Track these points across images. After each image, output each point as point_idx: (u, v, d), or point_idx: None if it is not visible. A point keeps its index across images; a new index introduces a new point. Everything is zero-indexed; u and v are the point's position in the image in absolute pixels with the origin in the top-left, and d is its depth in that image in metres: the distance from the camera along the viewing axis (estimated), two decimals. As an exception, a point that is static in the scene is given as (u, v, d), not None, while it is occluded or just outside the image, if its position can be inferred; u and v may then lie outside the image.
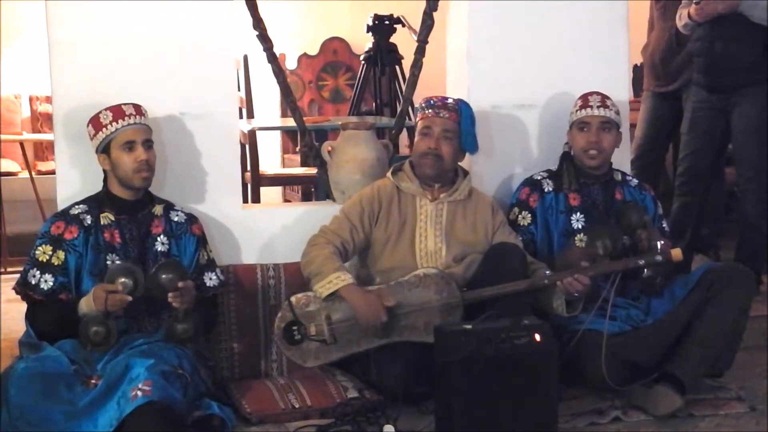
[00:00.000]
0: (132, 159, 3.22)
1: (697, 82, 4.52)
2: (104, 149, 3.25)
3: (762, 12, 4.25)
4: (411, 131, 3.65)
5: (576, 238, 3.61)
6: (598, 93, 3.68)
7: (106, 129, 3.24)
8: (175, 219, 3.36)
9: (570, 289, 3.33)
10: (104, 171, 3.30)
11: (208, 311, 3.34)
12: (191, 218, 3.40)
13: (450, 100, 3.57)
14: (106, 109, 3.26)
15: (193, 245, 3.35)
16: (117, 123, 3.23)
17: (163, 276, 3.07)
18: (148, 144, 3.27)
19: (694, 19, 4.39)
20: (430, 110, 3.52)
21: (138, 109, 3.28)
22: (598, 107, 3.64)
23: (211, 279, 3.37)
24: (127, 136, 3.24)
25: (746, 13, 4.27)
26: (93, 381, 2.96)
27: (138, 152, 3.23)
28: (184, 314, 3.09)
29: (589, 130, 3.63)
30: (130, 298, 3.04)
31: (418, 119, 3.57)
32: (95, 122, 3.26)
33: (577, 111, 3.68)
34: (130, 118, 3.24)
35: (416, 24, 4.09)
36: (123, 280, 3.05)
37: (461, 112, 3.53)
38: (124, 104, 3.27)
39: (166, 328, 3.13)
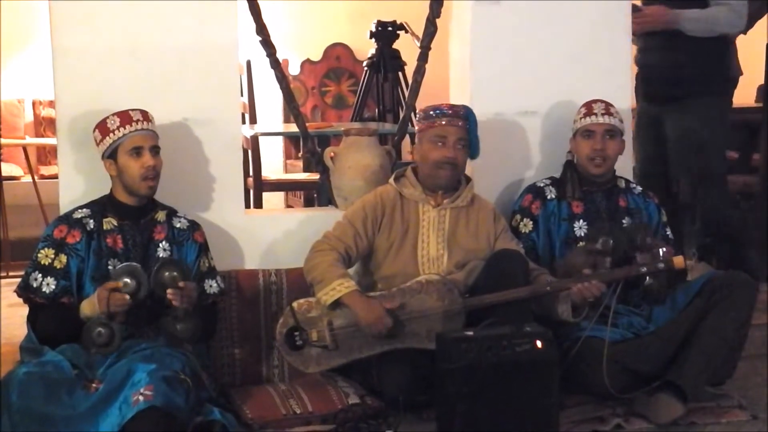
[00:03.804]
0: (139, 165, 3.22)
1: (636, 91, 4.59)
2: (111, 155, 3.25)
3: (693, 24, 4.36)
4: (413, 137, 3.64)
5: (578, 245, 3.61)
6: (601, 100, 3.68)
7: (114, 134, 3.23)
8: (178, 225, 3.36)
9: (586, 294, 3.32)
10: (110, 176, 3.29)
11: (208, 318, 3.32)
12: (194, 225, 3.40)
13: (460, 108, 3.55)
14: (113, 115, 3.25)
15: (194, 252, 3.34)
16: (124, 128, 3.23)
17: (166, 273, 3.08)
18: (155, 150, 3.27)
19: (634, 30, 4.46)
20: (443, 119, 3.47)
21: (145, 115, 3.28)
22: (602, 114, 3.64)
23: (211, 287, 3.37)
24: (134, 141, 3.23)
25: (681, 28, 4.39)
26: (94, 385, 2.95)
27: (145, 158, 3.23)
28: (184, 314, 3.09)
29: (594, 137, 3.63)
30: (128, 298, 3.03)
31: (425, 126, 3.51)
32: (102, 127, 3.25)
33: (581, 119, 3.68)
34: (137, 124, 3.24)
35: (419, 30, 4.09)
36: (126, 280, 3.05)
37: (469, 119, 3.53)
38: (132, 110, 3.26)
39: (165, 328, 3.12)
